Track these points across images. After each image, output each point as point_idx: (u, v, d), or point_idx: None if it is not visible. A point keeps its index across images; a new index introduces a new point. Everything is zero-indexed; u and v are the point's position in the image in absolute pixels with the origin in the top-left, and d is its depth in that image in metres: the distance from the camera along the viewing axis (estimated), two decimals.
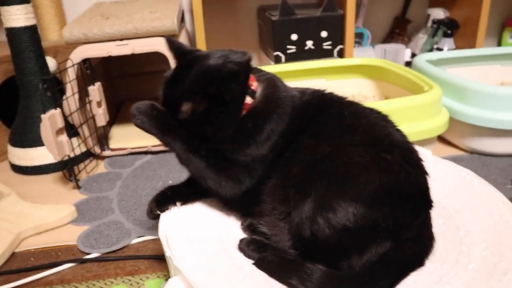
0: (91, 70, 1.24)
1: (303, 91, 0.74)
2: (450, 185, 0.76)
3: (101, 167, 1.29)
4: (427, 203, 0.65)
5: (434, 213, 0.70)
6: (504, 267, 0.55)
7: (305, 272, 0.55)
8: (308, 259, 0.58)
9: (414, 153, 0.67)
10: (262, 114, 0.67)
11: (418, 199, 0.63)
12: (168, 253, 0.60)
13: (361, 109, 0.70)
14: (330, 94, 0.73)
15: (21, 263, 0.90)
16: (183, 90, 0.64)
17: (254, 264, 0.61)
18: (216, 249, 0.63)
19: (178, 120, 0.66)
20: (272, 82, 0.71)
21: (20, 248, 0.95)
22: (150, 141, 1.34)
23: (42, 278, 0.85)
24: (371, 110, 0.70)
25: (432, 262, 0.61)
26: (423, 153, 0.82)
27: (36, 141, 1.25)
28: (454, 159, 1.22)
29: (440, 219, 0.70)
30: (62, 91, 1.23)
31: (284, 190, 0.62)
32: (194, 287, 0.53)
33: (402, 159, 0.62)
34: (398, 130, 0.69)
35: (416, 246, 0.61)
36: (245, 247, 0.64)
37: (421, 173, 0.65)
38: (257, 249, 0.63)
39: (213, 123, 0.65)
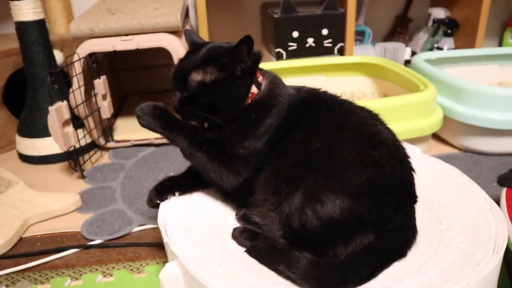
0: (97, 64, 1.29)
1: (298, 89, 0.77)
2: (436, 182, 0.79)
3: (106, 158, 1.33)
4: (411, 198, 0.68)
5: (420, 208, 0.74)
6: (478, 259, 0.59)
7: (292, 260, 0.59)
8: (296, 247, 0.62)
9: (401, 150, 0.70)
10: (264, 107, 0.71)
11: (402, 193, 0.66)
12: (166, 239, 0.64)
13: (352, 108, 0.74)
14: (324, 92, 0.77)
15: (28, 248, 0.95)
16: (194, 62, 0.69)
17: (246, 251, 0.65)
18: (211, 237, 0.68)
19: (185, 97, 0.69)
20: (275, 79, 0.76)
21: (27, 233, 1.00)
22: (153, 134, 1.38)
23: (48, 262, 0.90)
24: (362, 109, 0.74)
25: (413, 253, 0.64)
26: (412, 150, 0.86)
27: (43, 132, 1.29)
28: (448, 157, 1.25)
29: (425, 214, 0.74)
30: (69, 84, 1.28)
31: (275, 182, 0.66)
32: (189, 271, 0.57)
33: (388, 155, 0.66)
34: (387, 128, 0.73)
35: (398, 237, 0.64)
36: (238, 235, 0.68)
37: (406, 169, 0.69)
38: (249, 237, 0.67)
39: (220, 98, 0.68)
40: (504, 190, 0.79)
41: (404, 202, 0.67)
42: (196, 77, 0.68)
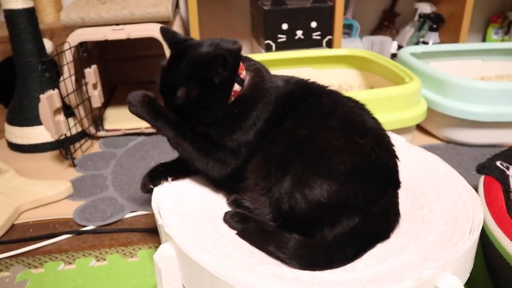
0: (88, 53, 1.29)
1: (287, 80, 0.80)
2: (418, 169, 0.83)
3: (96, 147, 1.34)
4: (395, 183, 0.72)
5: (403, 194, 0.77)
6: (456, 239, 0.62)
7: (282, 240, 0.62)
8: (286, 230, 0.65)
9: (385, 139, 0.73)
10: (248, 101, 0.73)
11: (386, 179, 0.70)
12: (160, 221, 0.66)
13: (339, 98, 0.77)
14: (312, 83, 0.80)
15: (20, 234, 0.96)
16: (177, 77, 0.70)
17: (237, 234, 0.68)
18: (203, 220, 0.70)
19: (175, 105, 0.71)
20: (259, 73, 0.77)
21: (19, 220, 1.01)
22: (144, 123, 1.39)
23: (41, 247, 0.91)
24: (349, 99, 0.77)
25: (396, 235, 0.68)
26: (397, 139, 0.89)
27: (33, 120, 1.30)
28: (431, 148, 1.30)
29: (408, 199, 0.77)
30: (58, 73, 1.28)
31: (266, 168, 0.69)
32: (183, 251, 0.60)
33: (373, 143, 0.69)
34: (373, 118, 0.76)
35: (382, 221, 0.68)
36: (230, 219, 0.71)
37: (391, 157, 0.72)
38: (240, 221, 0.70)
39: (205, 106, 0.71)
40: (482, 177, 0.83)
41: (388, 187, 0.70)
42: (182, 94, 0.70)
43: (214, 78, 0.69)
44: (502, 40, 2.07)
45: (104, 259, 0.87)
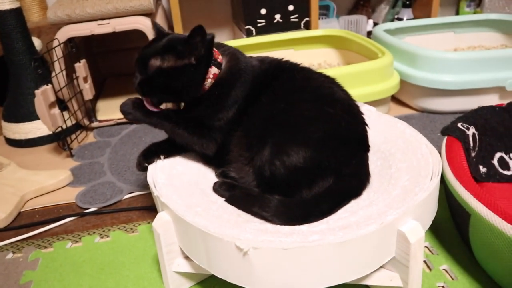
0: (76, 48, 1.35)
1: (262, 60, 0.87)
2: (387, 134, 0.91)
3: (91, 137, 1.41)
4: (364, 147, 0.80)
5: (374, 157, 0.86)
6: (417, 191, 0.71)
7: (265, 202, 0.70)
8: (268, 193, 0.73)
9: (354, 108, 0.81)
10: (227, 82, 0.81)
11: (356, 143, 0.78)
12: (156, 193, 0.74)
13: (311, 73, 0.85)
14: (286, 61, 0.87)
15: (28, 220, 1.03)
16: (153, 51, 0.78)
17: (225, 200, 0.76)
18: (195, 190, 0.78)
19: (145, 78, 0.77)
20: (234, 56, 0.85)
21: (25, 208, 1.08)
22: None
23: (48, 230, 0.99)
24: (320, 74, 0.85)
25: (367, 192, 0.76)
26: (368, 109, 0.98)
27: (28, 116, 1.36)
28: (406, 117, 1.38)
29: (378, 161, 0.86)
30: (49, 70, 1.34)
31: (247, 140, 0.77)
32: (177, 215, 0.68)
33: (342, 111, 0.77)
34: (343, 90, 0.84)
35: (354, 180, 0.76)
36: (218, 188, 0.79)
37: (359, 123, 0.80)
38: (228, 189, 0.78)
39: (180, 80, 0.78)
40: (445, 138, 0.91)
41: (358, 150, 0.78)
42: (155, 63, 0.77)
43: (192, 55, 0.76)
44: (475, 13, 2.15)
45: (108, 236, 0.95)
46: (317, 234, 0.63)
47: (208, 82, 0.80)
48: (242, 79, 0.81)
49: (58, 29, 1.31)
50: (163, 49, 0.77)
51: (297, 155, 0.72)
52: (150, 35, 1.31)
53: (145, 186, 1.11)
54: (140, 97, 0.82)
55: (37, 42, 1.40)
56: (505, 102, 1.04)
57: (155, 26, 0.85)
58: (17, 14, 1.29)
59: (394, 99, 1.47)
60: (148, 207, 1.02)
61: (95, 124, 1.44)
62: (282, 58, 0.88)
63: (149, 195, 1.07)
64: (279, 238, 0.62)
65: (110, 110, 1.50)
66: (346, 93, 0.84)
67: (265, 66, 0.84)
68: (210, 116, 0.80)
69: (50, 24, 1.33)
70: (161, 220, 0.71)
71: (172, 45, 0.77)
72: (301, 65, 0.87)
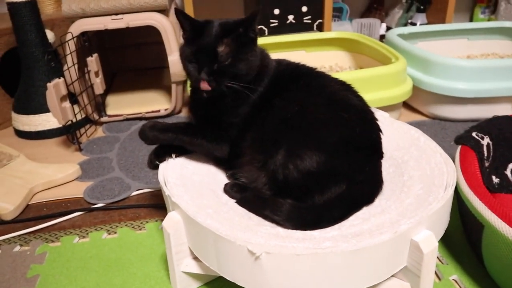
0: (89, 42, 1.35)
1: (279, 62, 0.87)
2: (401, 141, 0.90)
3: (100, 131, 1.41)
4: (378, 153, 0.79)
5: (386, 164, 0.85)
6: (431, 200, 0.70)
7: (276, 205, 0.70)
8: (280, 197, 0.73)
9: (368, 113, 0.81)
10: (259, 74, 0.80)
11: (370, 149, 0.77)
12: (167, 192, 0.73)
13: (327, 79, 0.84)
14: (302, 66, 0.87)
15: (35, 213, 1.03)
16: (216, 36, 0.75)
17: (236, 202, 0.75)
18: (205, 191, 0.77)
19: (214, 66, 0.75)
20: (263, 52, 0.85)
21: (33, 201, 1.08)
22: (144, 108, 1.46)
23: (56, 224, 0.99)
24: (336, 81, 0.84)
25: (379, 199, 0.76)
26: (382, 115, 0.97)
27: (39, 108, 1.36)
28: (418, 124, 1.37)
29: (390, 168, 0.85)
30: (61, 63, 1.34)
31: (261, 143, 0.76)
32: (188, 216, 0.67)
33: (357, 117, 0.76)
34: (358, 96, 0.83)
35: (366, 187, 0.75)
36: (230, 189, 0.78)
37: (373, 129, 0.79)
38: (239, 190, 0.78)
39: (246, 62, 0.77)
40: (459, 147, 0.90)
41: (371, 157, 0.78)
42: (225, 49, 0.75)
43: (252, 35, 0.77)
44: (489, 20, 2.13)
45: (115, 232, 0.95)
46: (330, 241, 0.62)
47: None
48: (267, 75, 0.81)
49: (72, 23, 1.31)
50: (223, 34, 0.75)
51: (310, 159, 0.71)
52: (164, 31, 1.31)
53: (153, 183, 1.10)
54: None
55: (50, 35, 1.40)
56: None
57: (181, 15, 0.78)
58: (32, 6, 1.29)
59: (405, 104, 1.46)
60: (156, 205, 1.02)
61: (104, 118, 1.44)
62: (299, 62, 0.88)
63: (157, 193, 1.07)
64: (292, 244, 0.61)
65: (119, 105, 1.50)
66: (361, 99, 0.83)
67: (282, 68, 0.84)
68: (229, 111, 0.80)
69: (64, 18, 1.33)
70: (172, 220, 0.71)
71: (230, 28, 0.76)
72: (317, 70, 0.86)
